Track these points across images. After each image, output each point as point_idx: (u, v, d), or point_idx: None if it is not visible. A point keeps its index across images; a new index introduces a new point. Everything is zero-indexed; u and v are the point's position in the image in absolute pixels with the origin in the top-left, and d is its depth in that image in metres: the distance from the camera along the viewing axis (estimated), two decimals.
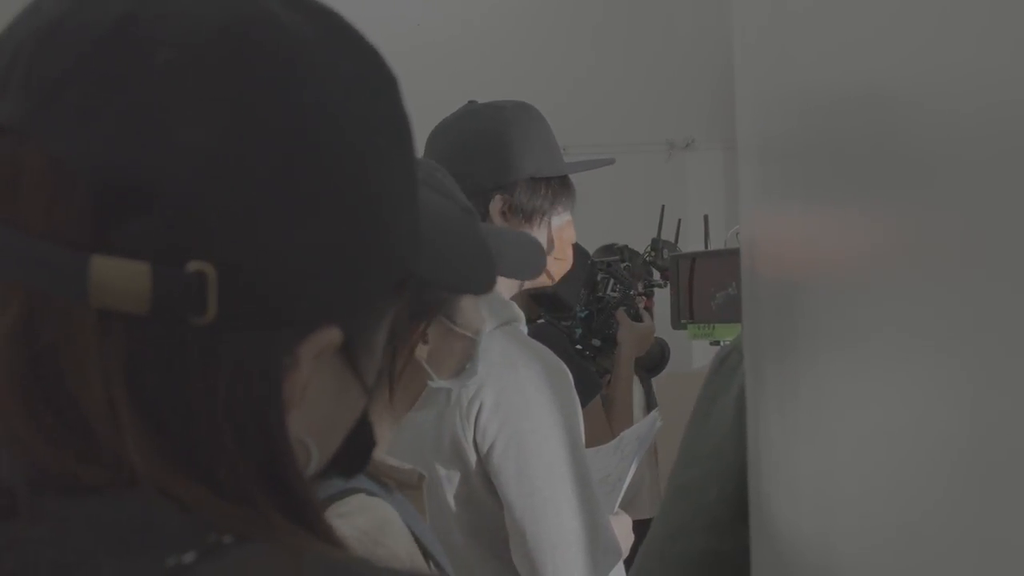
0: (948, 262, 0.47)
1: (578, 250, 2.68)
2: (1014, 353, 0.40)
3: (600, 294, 2.76)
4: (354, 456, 0.62)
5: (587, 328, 2.70)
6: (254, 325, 0.51)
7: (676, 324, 2.77)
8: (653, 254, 2.90)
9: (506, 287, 1.95)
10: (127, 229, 0.48)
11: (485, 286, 0.66)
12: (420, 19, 4.63)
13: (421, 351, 1.20)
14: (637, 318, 2.75)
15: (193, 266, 0.49)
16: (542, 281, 2.02)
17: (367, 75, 0.55)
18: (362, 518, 1.10)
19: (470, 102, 1.97)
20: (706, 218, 3.93)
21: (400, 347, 1.15)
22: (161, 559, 0.48)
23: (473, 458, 1.71)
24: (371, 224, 0.54)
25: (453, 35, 4.66)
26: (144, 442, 0.49)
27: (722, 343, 2.64)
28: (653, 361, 2.89)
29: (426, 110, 3.52)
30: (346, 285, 0.54)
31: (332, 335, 0.53)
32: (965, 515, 0.46)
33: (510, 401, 1.70)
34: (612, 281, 2.78)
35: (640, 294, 2.85)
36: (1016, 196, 0.39)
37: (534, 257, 1.53)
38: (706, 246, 3.58)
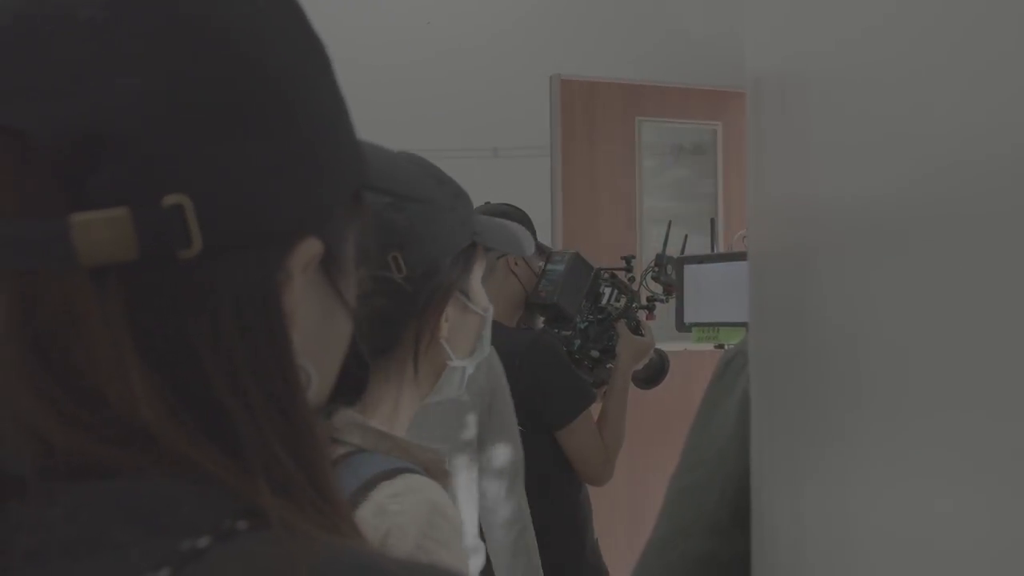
0: (965, 271, 0.47)
1: (581, 261, 2.69)
2: None
3: (602, 304, 2.76)
4: (350, 384, 0.64)
5: (586, 339, 2.70)
6: (240, 246, 0.53)
7: (681, 327, 2.77)
8: (657, 269, 2.89)
9: (505, 299, 2.05)
10: (95, 182, 0.49)
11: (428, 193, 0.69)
12: (430, 18, 4.63)
13: (443, 330, 1.24)
14: (637, 331, 2.75)
15: (169, 200, 0.50)
16: None
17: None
18: (411, 499, 1.09)
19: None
20: (712, 222, 3.93)
21: (425, 325, 1.22)
22: (175, 542, 0.48)
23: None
24: (316, 132, 0.57)
25: (463, 34, 4.66)
26: (156, 398, 0.50)
27: (726, 346, 2.64)
28: (652, 373, 2.88)
29: (434, 103, 3.51)
30: (310, 193, 0.56)
31: (314, 245, 0.56)
32: (984, 547, 0.45)
33: (505, 401, 1.83)
34: (615, 292, 2.79)
35: (642, 307, 2.84)
36: None
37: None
38: (712, 249, 3.59)
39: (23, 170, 0.50)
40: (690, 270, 2.80)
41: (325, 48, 0.59)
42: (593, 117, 4.13)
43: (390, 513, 1.06)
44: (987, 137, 0.43)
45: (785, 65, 0.81)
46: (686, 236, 3.03)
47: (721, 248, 3.80)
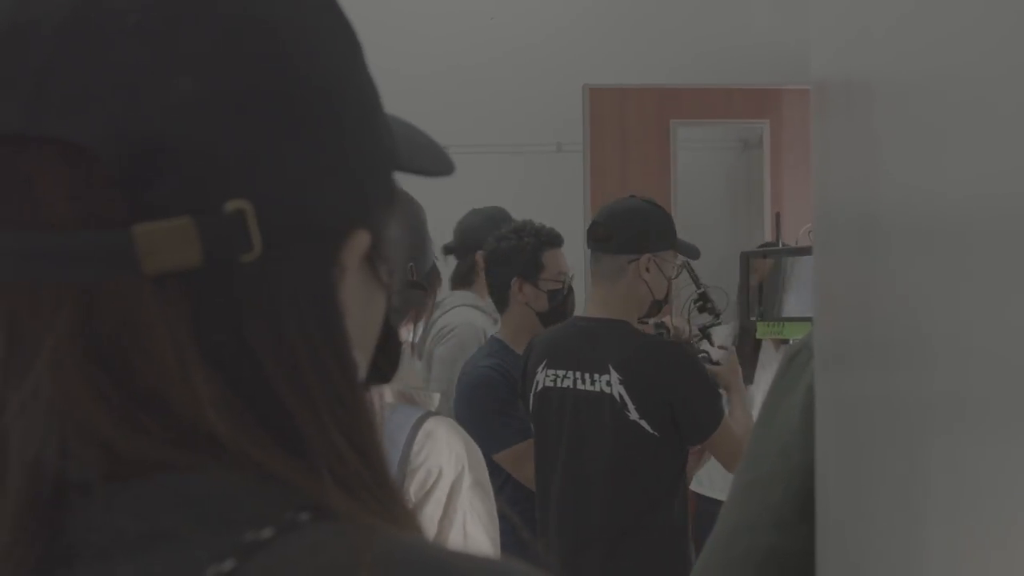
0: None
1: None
2: None
3: None
4: (386, 362, 0.64)
5: None
6: (298, 246, 0.53)
7: (745, 321, 2.76)
8: (701, 303, 2.85)
9: (635, 302, 2.54)
10: (156, 191, 0.49)
11: (452, 167, 0.69)
12: (494, 13, 4.64)
13: None
14: (711, 361, 2.74)
15: (231, 205, 0.50)
16: None
17: None
18: (448, 432, 1.39)
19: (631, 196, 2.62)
20: (778, 216, 3.89)
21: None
22: (239, 534, 0.48)
23: None
24: (359, 124, 0.57)
25: (526, 29, 4.66)
26: (219, 400, 0.50)
27: (791, 341, 2.62)
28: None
29: (498, 98, 3.55)
30: (358, 186, 0.56)
31: (364, 237, 0.56)
32: None
33: None
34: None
35: (694, 338, 2.83)
36: None
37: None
38: (778, 244, 3.56)
39: (84, 182, 0.49)
40: (755, 264, 2.78)
41: (356, 33, 0.59)
42: (624, 121, 4.13)
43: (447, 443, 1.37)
44: None
45: (850, 66, 0.81)
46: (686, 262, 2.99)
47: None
